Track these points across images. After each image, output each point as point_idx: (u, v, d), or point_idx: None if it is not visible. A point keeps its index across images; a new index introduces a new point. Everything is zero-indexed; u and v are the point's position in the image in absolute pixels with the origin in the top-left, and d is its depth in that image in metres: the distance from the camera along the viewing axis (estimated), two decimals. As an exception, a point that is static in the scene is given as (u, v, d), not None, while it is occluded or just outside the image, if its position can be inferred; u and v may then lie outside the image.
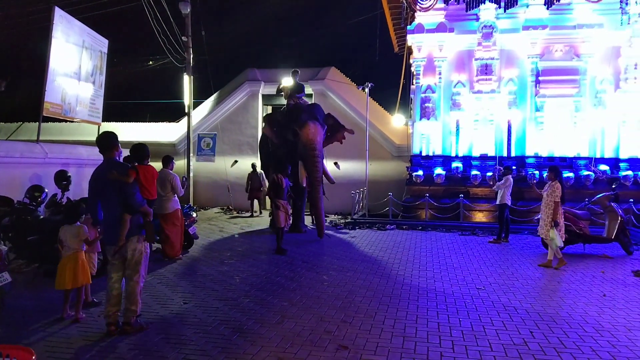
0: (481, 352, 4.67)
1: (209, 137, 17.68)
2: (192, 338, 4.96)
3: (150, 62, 22.65)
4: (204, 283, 7.22)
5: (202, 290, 6.83)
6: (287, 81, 12.82)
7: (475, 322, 5.57)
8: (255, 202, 15.99)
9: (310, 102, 12.45)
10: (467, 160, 15.30)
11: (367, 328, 5.31)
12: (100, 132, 5.33)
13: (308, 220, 13.22)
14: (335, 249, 10.14)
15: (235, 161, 16.88)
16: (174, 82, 19.55)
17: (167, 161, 8.91)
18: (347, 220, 14.42)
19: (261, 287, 6.99)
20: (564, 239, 8.81)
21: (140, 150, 5.69)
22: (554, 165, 9.64)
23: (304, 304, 6.18)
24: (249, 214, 15.88)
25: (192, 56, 16.46)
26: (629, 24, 13.66)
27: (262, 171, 14.81)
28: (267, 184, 13.81)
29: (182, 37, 16.22)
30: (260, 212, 16.02)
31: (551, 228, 8.52)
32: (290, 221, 11.02)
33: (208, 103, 18.91)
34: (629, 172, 14.02)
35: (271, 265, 8.55)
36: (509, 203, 11.36)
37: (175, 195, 8.79)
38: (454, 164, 15.24)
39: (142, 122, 19.98)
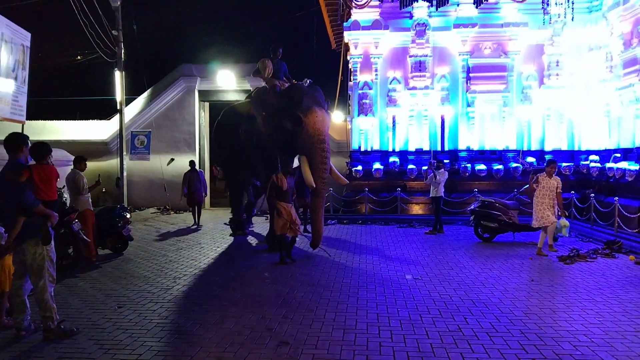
0: (418, 340, 4.80)
1: (143, 135, 17.08)
2: (127, 342, 4.77)
3: (79, 57, 21.59)
4: (139, 285, 6.97)
5: (137, 293, 6.59)
6: (263, 62, 10.40)
7: (412, 311, 5.72)
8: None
9: (308, 83, 10.08)
10: (403, 154, 15.67)
11: (308, 323, 5.32)
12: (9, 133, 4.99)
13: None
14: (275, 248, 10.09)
15: (172, 159, 16.44)
16: (105, 78, 18.72)
17: (78, 161, 8.69)
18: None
19: (200, 288, 6.85)
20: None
21: (37, 149, 5.30)
22: (554, 159, 10.06)
23: (245, 303, 6.11)
24: (192, 223, 13.39)
25: (123, 51, 15.81)
26: (550, 23, 14.44)
27: (219, 169, 13.88)
28: (216, 183, 12.86)
29: (112, 31, 15.55)
30: (198, 224, 13.31)
31: (562, 217, 9.15)
32: (301, 228, 9.08)
33: (141, 99, 18.26)
34: (553, 164, 14.86)
35: (211, 265, 8.39)
36: (444, 195, 11.78)
37: (87, 195, 8.59)
38: (392, 159, 15.57)
39: (71, 119, 19.01)
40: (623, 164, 12.37)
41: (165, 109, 17.75)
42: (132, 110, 17.87)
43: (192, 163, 13.70)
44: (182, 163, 16.68)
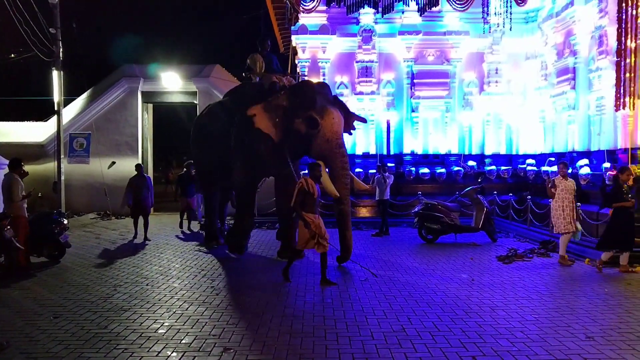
0: (363, 341, 4.86)
1: (83, 137, 16.36)
2: (62, 355, 4.55)
3: (13, 55, 20.48)
4: (76, 294, 6.67)
5: (74, 302, 6.31)
6: (253, 57, 9.64)
7: (358, 313, 5.78)
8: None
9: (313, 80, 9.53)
10: (351, 158, 15.79)
11: (255, 328, 5.27)
12: None
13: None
14: (223, 251, 9.94)
15: (113, 162, 15.84)
16: (42, 78, 17.89)
17: (14, 165, 8.18)
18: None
19: (142, 296, 6.63)
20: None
21: None
22: (566, 160, 9.75)
23: (189, 309, 5.98)
24: (134, 233, 11.67)
25: (61, 50, 15.15)
26: (490, 32, 15.04)
27: (174, 173, 13.03)
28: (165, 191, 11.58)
29: (50, 29, 14.87)
30: (146, 237, 11.39)
31: (578, 221, 8.76)
32: (326, 245, 7.23)
33: (81, 100, 17.52)
34: (493, 167, 15.46)
35: (154, 272, 8.15)
36: (389, 198, 12.01)
37: (22, 202, 8.08)
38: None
39: (5, 121, 17.97)
40: (557, 168, 13.03)
41: (106, 111, 17.11)
42: (70, 112, 17.12)
43: (139, 167, 11.83)
44: (123, 167, 16.11)
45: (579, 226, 8.84)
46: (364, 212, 14.93)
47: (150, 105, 18.20)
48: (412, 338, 4.94)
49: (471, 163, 15.60)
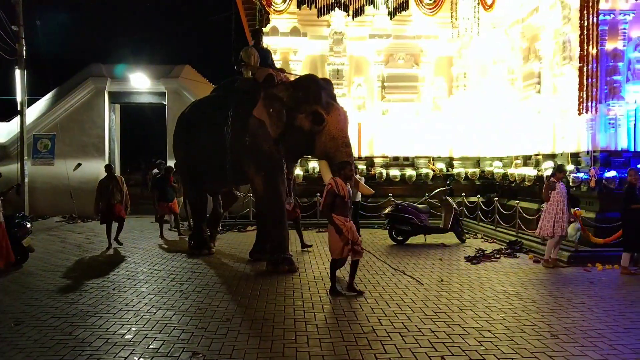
0: (334, 343, 4.86)
1: (47, 138, 15.92)
2: (24, 363, 4.42)
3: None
4: (40, 300, 6.48)
5: (38, 308, 6.12)
6: (247, 51, 8.92)
7: (329, 315, 5.79)
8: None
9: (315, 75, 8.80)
10: (322, 160, 15.84)
11: (224, 332, 5.21)
12: None
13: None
14: (191, 255, 9.81)
15: (79, 164, 15.47)
16: (4, 77, 17.29)
17: None
18: (188, 223, 14.03)
19: (109, 302, 6.48)
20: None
21: None
22: (564, 165, 9.74)
23: (157, 314, 5.88)
24: (107, 244, 10.48)
25: (24, 48, 14.72)
26: (458, 37, 15.30)
27: (178, 180, 11.52)
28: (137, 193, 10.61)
29: (13, 26, 14.42)
30: (111, 244, 10.50)
31: (572, 223, 8.83)
32: (361, 251, 6.74)
33: (45, 100, 17.04)
34: (461, 169, 15.71)
35: (123, 277, 7.98)
36: (360, 201, 12.06)
37: None
38: (311, 164, 15.71)
39: (-37, 120, 17.35)
40: (523, 170, 13.33)
41: (72, 111, 16.69)
42: (34, 112, 16.63)
43: (108, 168, 10.93)
44: (90, 168, 15.77)
45: (572, 229, 8.92)
46: (335, 214, 14.95)
47: (118, 106, 17.86)
48: (382, 339, 4.97)
49: (440, 165, 15.82)
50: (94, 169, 16.13)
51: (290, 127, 7.94)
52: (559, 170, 8.88)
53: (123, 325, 5.46)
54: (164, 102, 17.03)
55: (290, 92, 8.05)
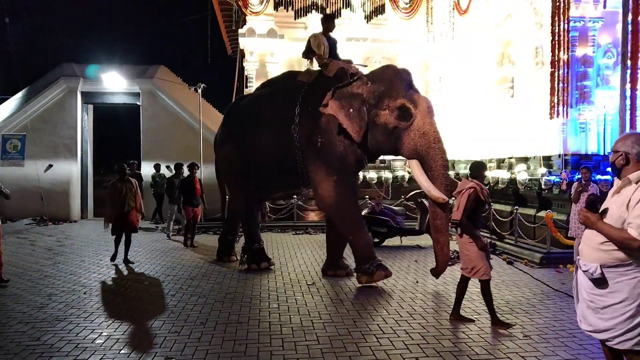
0: (309, 346, 4.84)
1: (17, 139, 15.48)
2: (-11, 370, 4.28)
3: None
4: (7, 305, 6.28)
5: (4, 313, 5.94)
6: (317, 38, 8.00)
7: (304, 317, 5.76)
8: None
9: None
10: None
11: (197, 336, 5.14)
12: None
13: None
14: (166, 257, 9.67)
15: (50, 165, 15.14)
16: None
17: None
18: (179, 226, 13.87)
19: (80, 306, 6.32)
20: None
21: None
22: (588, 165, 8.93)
23: (129, 318, 5.76)
24: (113, 252, 9.12)
25: (-7, 46, 14.34)
26: (433, 41, 15.48)
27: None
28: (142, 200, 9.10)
29: (-20, 24, 14.05)
30: (120, 255, 9.05)
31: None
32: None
33: (15, 100, 16.60)
34: (437, 172, 15.89)
35: (95, 280, 7.81)
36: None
37: None
38: (287, 167, 15.67)
39: None
40: (496, 173, 13.53)
41: (43, 111, 16.29)
42: (3, 112, 16.21)
43: (121, 168, 9.06)
44: (61, 170, 15.43)
45: None
46: (312, 216, 14.95)
47: (91, 106, 17.49)
48: (357, 341, 4.97)
49: (416, 168, 15.94)
50: (66, 170, 15.81)
51: (372, 126, 7.06)
52: (588, 171, 8.39)
53: (94, 330, 5.34)
54: (138, 103, 16.77)
55: (369, 86, 7.10)
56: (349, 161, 7.38)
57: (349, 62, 8.08)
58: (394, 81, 7.07)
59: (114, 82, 16.46)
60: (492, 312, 5.48)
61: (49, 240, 11.93)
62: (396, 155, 7.42)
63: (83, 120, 16.84)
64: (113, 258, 9.02)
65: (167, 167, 15.34)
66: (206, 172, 15.16)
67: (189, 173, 11.07)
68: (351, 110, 7.00)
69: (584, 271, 3.26)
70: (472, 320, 5.60)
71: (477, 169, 5.88)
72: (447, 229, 6.78)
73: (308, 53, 8.16)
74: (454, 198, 6.02)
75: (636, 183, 3.10)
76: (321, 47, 7.87)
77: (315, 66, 8.23)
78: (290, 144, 7.64)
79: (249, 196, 8.71)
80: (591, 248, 3.23)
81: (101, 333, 5.23)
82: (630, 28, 8.93)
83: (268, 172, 8.13)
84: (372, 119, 7.02)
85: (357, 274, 7.32)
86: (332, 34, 8.18)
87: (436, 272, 6.80)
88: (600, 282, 3.17)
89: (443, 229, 6.67)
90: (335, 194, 7.40)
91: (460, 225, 5.57)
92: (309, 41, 8.07)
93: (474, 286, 6.24)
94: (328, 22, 8.19)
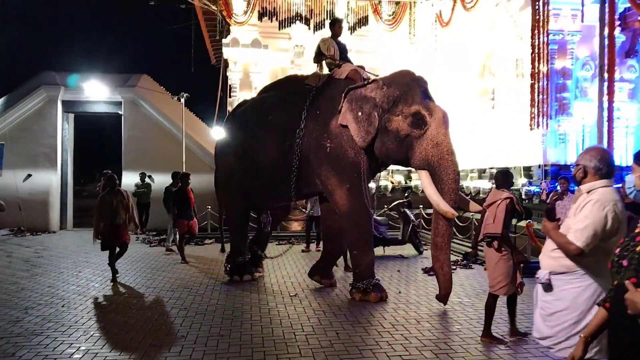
0: (291, 358, 4.80)
1: (-6, 148, 15.26)
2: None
3: None
4: (-19, 319, 6.14)
5: (-22, 327, 5.79)
6: (326, 42, 7.86)
7: (287, 329, 5.71)
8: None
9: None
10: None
11: (178, 350, 5.06)
12: None
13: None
14: (147, 269, 9.54)
15: (29, 175, 14.89)
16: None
17: None
18: (162, 237, 13.71)
19: (58, 319, 6.18)
20: None
21: None
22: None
23: (108, 331, 5.66)
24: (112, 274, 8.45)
25: (-29, 53, 14.12)
26: (416, 52, 15.66)
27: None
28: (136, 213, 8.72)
29: (-42, 31, 13.82)
30: (115, 278, 8.38)
31: None
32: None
33: (-7, 109, 16.35)
34: (419, 182, 15.99)
35: (73, 293, 7.65)
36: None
37: None
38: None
39: None
40: (478, 183, 13.68)
41: (22, 120, 16.04)
42: (-19, 120, 15.93)
43: (110, 179, 8.42)
44: (41, 179, 15.19)
45: None
46: (295, 226, 14.91)
47: (72, 115, 17.27)
48: (340, 353, 4.94)
49: (398, 178, 16.05)
50: (45, 179, 15.55)
51: (383, 132, 6.74)
52: (567, 182, 8.60)
53: (72, 344, 5.22)
54: (120, 112, 16.61)
55: (384, 90, 6.78)
56: (361, 169, 7.03)
57: (361, 67, 7.80)
58: (411, 86, 6.79)
59: (96, 91, 16.26)
60: (488, 326, 5.33)
61: (27, 251, 11.70)
62: (404, 166, 7.21)
63: (63, 130, 16.62)
64: (113, 279, 8.31)
65: (149, 176, 15.17)
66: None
67: (179, 184, 10.60)
68: (360, 113, 6.72)
69: (535, 277, 3.37)
70: (504, 342, 5.24)
71: (507, 178, 5.64)
72: (448, 247, 6.62)
73: (318, 57, 7.92)
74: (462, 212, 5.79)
75: (587, 193, 3.21)
76: (331, 49, 7.71)
77: (325, 71, 8.11)
78: (290, 150, 7.30)
79: (245, 206, 8.51)
80: (544, 255, 3.38)
81: (79, 347, 5.12)
82: (607, 42, 9.16)
83: (267, 182, 7.81)
84: (384, 124, 6.70)
85: (352, 290, 7.13)
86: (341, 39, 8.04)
87: (441, 297, 6.55)
88: (548, 288, 3.29)
89: (444, 247, 6.49)
90: (349, 204, 7.10)
91: (501, 239, 5.20)
92: (318, 46, 7.90)
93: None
94: (336, 26, 8.06)
